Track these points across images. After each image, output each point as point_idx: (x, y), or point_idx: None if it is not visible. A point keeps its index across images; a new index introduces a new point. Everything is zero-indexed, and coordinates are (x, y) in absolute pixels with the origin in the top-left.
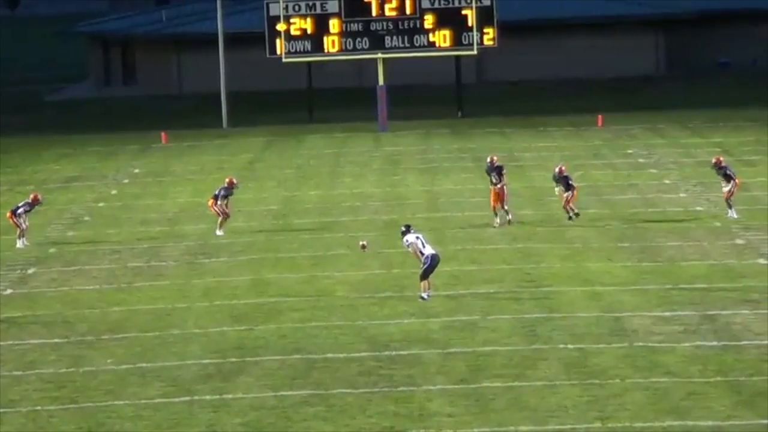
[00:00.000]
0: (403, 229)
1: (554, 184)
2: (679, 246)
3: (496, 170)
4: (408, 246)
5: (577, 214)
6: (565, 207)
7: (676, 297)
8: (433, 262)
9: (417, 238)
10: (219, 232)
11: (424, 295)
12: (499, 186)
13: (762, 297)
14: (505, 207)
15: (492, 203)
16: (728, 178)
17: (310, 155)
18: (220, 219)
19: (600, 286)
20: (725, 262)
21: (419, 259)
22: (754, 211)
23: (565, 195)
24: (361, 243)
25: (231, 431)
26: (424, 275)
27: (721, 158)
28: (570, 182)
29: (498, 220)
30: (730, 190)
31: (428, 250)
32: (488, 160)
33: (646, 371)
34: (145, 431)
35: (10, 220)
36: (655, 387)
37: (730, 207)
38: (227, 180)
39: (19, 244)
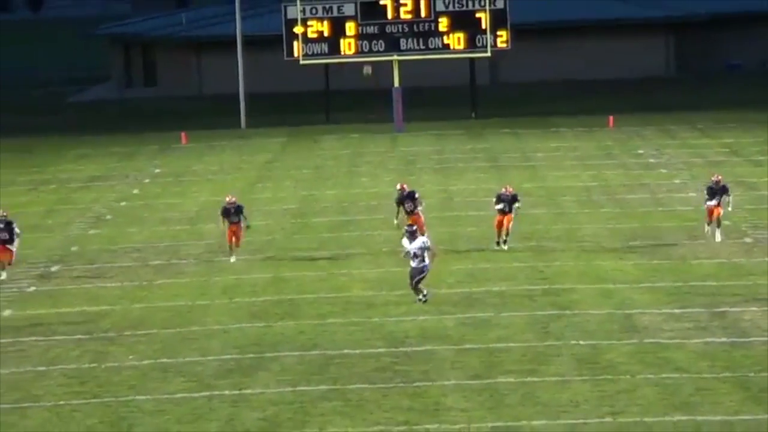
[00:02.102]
0: (410, 230)
1: (496, 202)
2: (689, 244)
3: (409, 197)
4: (424, 247)
5: (505, 241)
6: (506, 229)
7: (686, 294)
8: (426, 272)
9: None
10: (232, 259)
11: (423, 296)
12: (415, 213)
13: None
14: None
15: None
16: (723, 196)
17: (327, 155)
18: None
19: (611, 284)
20: (734, 261)
21: (415, 261)
22: (762, 211)
23: (507, 216)
24: (366, 68)
25: (250, 426)
26: (419, 284)
27: (721, 177)
28: (517, 201)
29: None
30: (721, 209)
31: (427, 260)
32: (398, 188)
33: (657, 367)
34: (166, 426)
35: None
36: (665, 383)
37: (718, 226)
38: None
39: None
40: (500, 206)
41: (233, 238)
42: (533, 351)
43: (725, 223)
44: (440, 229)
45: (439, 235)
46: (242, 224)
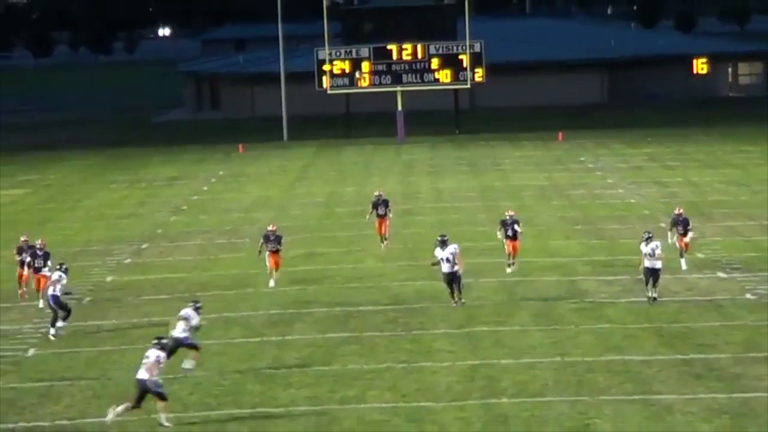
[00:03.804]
0: (442, 239)
1: (500, 228)
2: (618, 228)
3: (384, 203)
4: (455, 253)
5: (511, 264)
6: (515, 253)
7: (616, 266)
8: (458, 278)
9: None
10: (272, 283)
11: (459, 300)
12: (386, 217)
13: (677, 265)
14: (386, 235)
15: (379, 232)
16: (687, 229)
17: (348, 162)
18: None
19: (560, 258)
20: None
21: (446, 266)
22: (673, 203)
23: (514, 243)
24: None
25: (290, 363)
26: (460, 291)
27: (682, 210)
28: (517, 228)
29: (383, 246)
30: (686, 242)
31: (456, 266)
32: (376, 194)
33: (594, 320)
34: (228, 362)
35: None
36: (601, 331)
37: (681, 255)
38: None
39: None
40: (509, 233)
41: (273, 264)
42: (502, 307)
43: (645, 212)
44: (432, 217)
45: (431, 221)
46: (281, 252)
